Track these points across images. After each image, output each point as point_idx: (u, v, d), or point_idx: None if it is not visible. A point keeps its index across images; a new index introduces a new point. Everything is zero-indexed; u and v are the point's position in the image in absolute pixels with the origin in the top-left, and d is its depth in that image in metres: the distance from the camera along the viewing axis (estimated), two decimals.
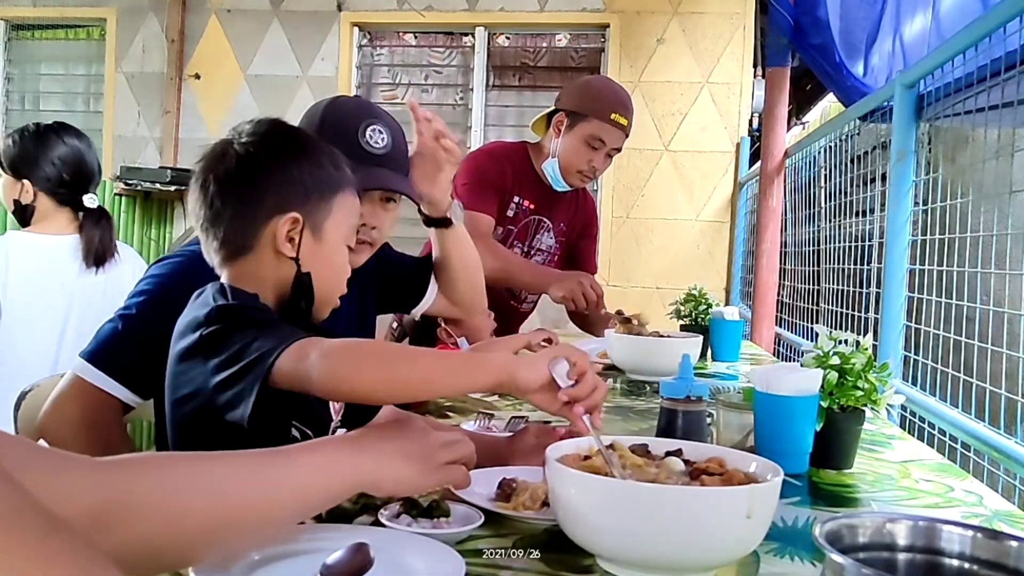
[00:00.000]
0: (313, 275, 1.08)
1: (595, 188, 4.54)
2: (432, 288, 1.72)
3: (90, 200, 2.16)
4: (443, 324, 2.10)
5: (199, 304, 1.03)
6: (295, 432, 1.05)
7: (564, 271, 2.46)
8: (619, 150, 2.38)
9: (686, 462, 0.91)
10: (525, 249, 2.46)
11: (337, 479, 0.80)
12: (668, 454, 0.94)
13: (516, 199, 2.40)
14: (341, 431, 1.15)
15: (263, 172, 1.07)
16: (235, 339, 0.94)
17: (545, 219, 2.46)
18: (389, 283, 1.68)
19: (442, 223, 1.60)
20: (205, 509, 0.70)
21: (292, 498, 0.78)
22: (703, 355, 2.29)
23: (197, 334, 0.97)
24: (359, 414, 1.22)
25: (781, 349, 3.52)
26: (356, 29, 4.94)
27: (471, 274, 1.71)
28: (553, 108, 2.40)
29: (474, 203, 2.29)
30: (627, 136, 2.36)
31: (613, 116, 2.30)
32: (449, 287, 1.70)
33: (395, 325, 2.45)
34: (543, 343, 2.10)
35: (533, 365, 0.91)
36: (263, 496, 0.75)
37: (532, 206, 2.42)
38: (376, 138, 1.47)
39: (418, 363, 0.92)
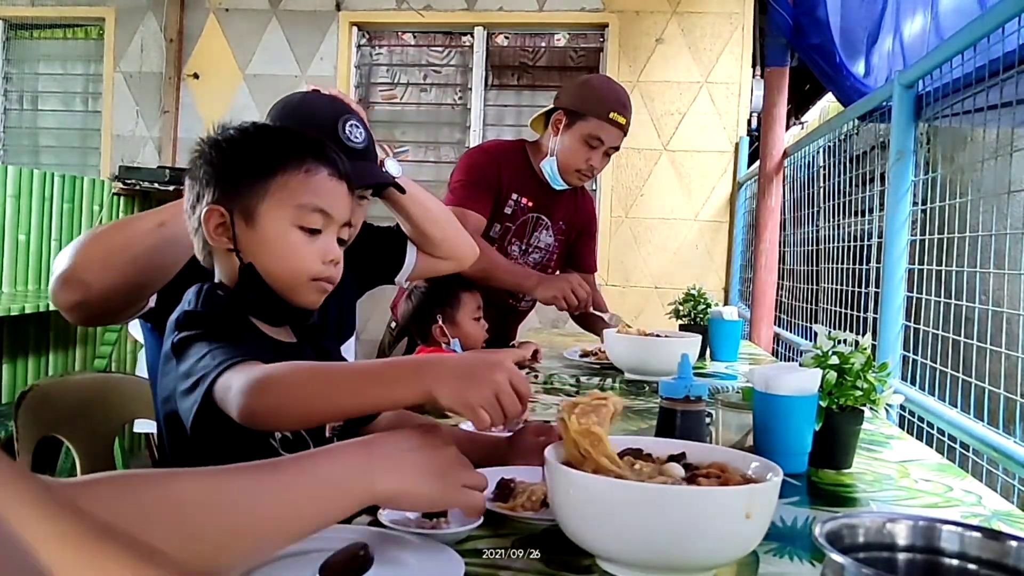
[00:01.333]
0: (258, 264, 1.06)
1: (594, 187, 4.54)
2: (411, 253, 1.70)
3: None
4: (439, 321, 2.10)
5: (180, 305, 1.05)
6: (287, 434, 1.05)
7: (550, 274, 2.45)
8: (617, 149, 2.38)
9: (687, 466, 0.91)
10: (523, 247, 2.46)
11: (345, 495, 0.75)
12: (671, 458, 0.93)
13: (514, 196, 2.39)
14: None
15: (199, 170, 1.09)
16: (193, 351, 0.96)
17: (544, 217, 2.46)
18: (365, 257, 1.65)
19: (382, 186, 1.55)
20: (172, 546, 0.62)
21: (287, 519, 0.72)
22: (702, 355, 2.29)
23: (171, 338, 0.99)
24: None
25: (780, 349, 3.52)
26: (355, 29, 4.93)
27: (438, 223, 1.67)
28: (552, 106, 2.40)
29: (465, 201, 2.29)
30: (625, 135, 2.36)
31: (612, 115, 2.30)
32: (423, 243, 1.68)
33: (393, 325, 2.46)
34: (530, 356, 2.12)
35: (439, 404, 0.86)
36: (246, 528, 0.69)
37: (530, 204, 2.42)
38: (355, 133, 1.45)
39: (334, 396, 0.88)
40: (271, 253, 1.06)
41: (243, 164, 1.07)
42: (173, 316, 1.03)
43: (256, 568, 0.78)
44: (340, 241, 1.12)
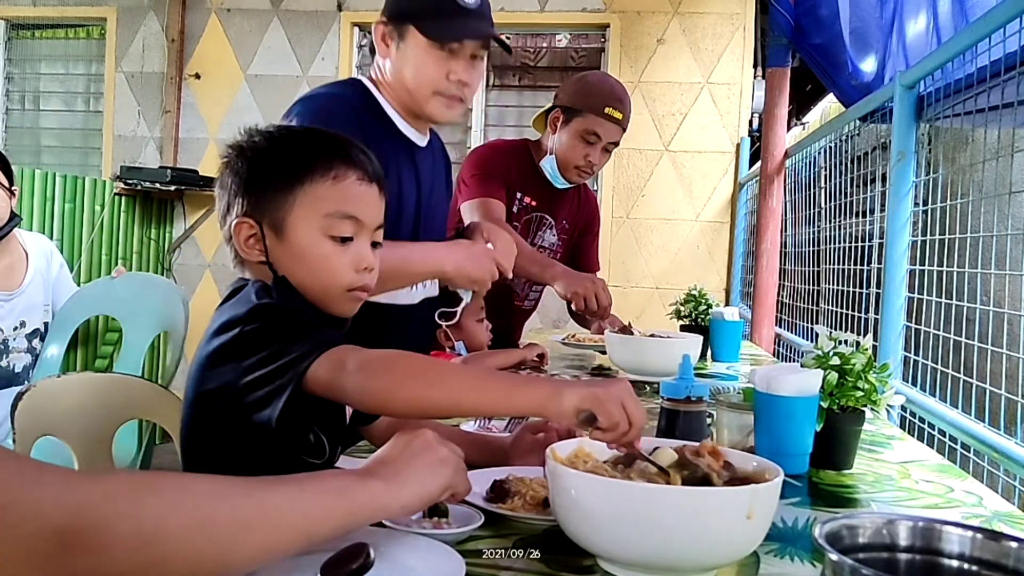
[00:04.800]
0: (291, 276, 1.04)
1: (595, 188, 4.54)
2: None
3: None
4: (443, 325, 2.10)
5: (240, 301, 1.01)
6: (311, 437, 1.04)
7: (575, 270, 2.43)
8: (616, 144, 2.37)
9: (682, 464, 0.91)
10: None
11: (348, 504, 0.75)
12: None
13: (519, 195, 2.40)
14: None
15: (227, 179, 1.07)
16: (273, 339, 0.93)
17: (547, 216, 2.46)
18: None
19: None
20: (186, 534, 0.64)
21: (291, 523, 0.71)
22: (703, 355, 2.29)
23: (236, 331, 0.96)
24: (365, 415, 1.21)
25: (781, 349, 3.52)
26: (356, 29, 4.93)
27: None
28: (551, 104, 2.41)
29: (484, 191, 2.30)
30: (624, 130, 2.36)
31: (607, 110, 2.29)
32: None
33: None
34: (536, 359, 2.11)
35: (564, 407, 0.89)
36: (256, 521, 0.69)
37: (534, 203, 2.42)
38: None
39: (453, 386, 0.91)
40: (303, 265, 1.04)
41: (269, 174, 1.04)
42: (229, 315, 0.99)
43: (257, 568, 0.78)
44: (375, 244, 1.09)
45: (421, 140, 1.69)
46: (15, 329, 2.37)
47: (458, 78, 1.59)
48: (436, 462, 0.82)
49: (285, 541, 0.71)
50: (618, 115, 2.31)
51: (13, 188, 2.49)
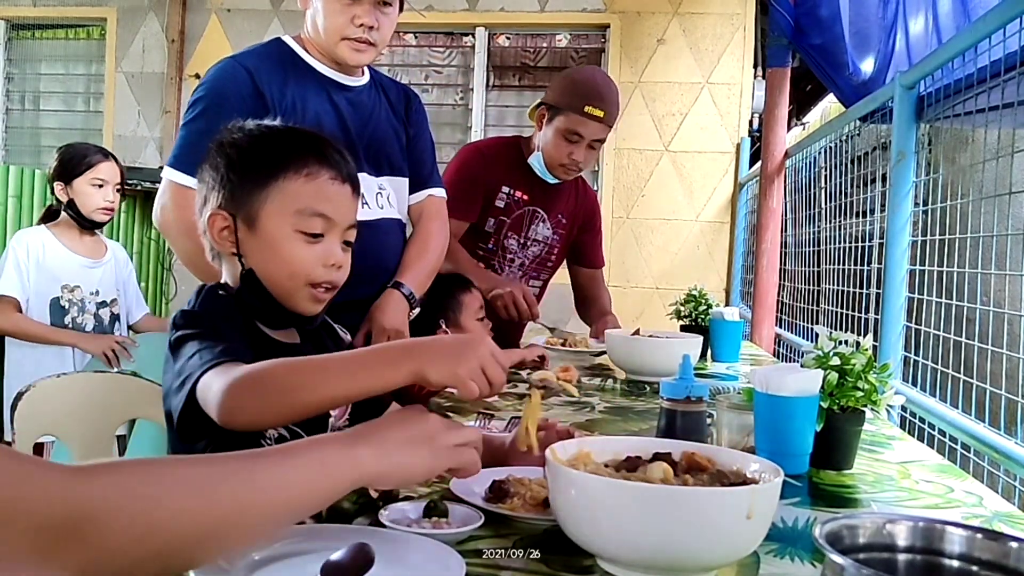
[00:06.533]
0: (259, 269, 1.07)
1: (595, 188, 4.54)
2: None
3: None
4: (442, 325, 2.10)
5: (187, 302, 1.08)
6: (283, 431, 1.05)
7: (507, 280, 2.42)
8: (602, 141, 2.37)
9: (675, 464, 0.91)
10: (521, 241, 2.47)
11: (332, 475, 0.75)
12: (656, 457, 0.93)
13: (505, 190, 2.40)
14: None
15: (205, 173, 1.11)
16: (186, 349, 0.98)
17: (540, 210, 2.47)
18: None
19: None
20: (183, 518, 0.65)
21: (283, 499, 0.72)
22: (703, 356, 2.29)
23: (173, 332, 1.02)
24: (367, 412, 1.21)
25: (781, 350, 3.52)
26: None
27: None
28: (539, 101, 2.42)
29: (451, 207, 2.29)
30: (610, 127, 2.34)
31: (587, 109, 2.29)
32: None
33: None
34: (536, 359, 2.11)
35: (431, 382, 0.90)
36: (249, 499, 0.70)
37: (526, 197, 2.43)
38: None
39: (320, 383, 0.90)
40: (271, 258, 1.06)
41: (245, 169, 1.07)
42: (173, 316, 1.05)
43: (258, 567, 0.78)
44: (347, 243, 1.11)
45: (350, 80, 1.81)
46: (92, 294, 2.72)
47: (362, 22, 1.70)
48: (424, 438, 0.81)
49: (276, 518, 0.72)
50: (599, 113, 2.30)
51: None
